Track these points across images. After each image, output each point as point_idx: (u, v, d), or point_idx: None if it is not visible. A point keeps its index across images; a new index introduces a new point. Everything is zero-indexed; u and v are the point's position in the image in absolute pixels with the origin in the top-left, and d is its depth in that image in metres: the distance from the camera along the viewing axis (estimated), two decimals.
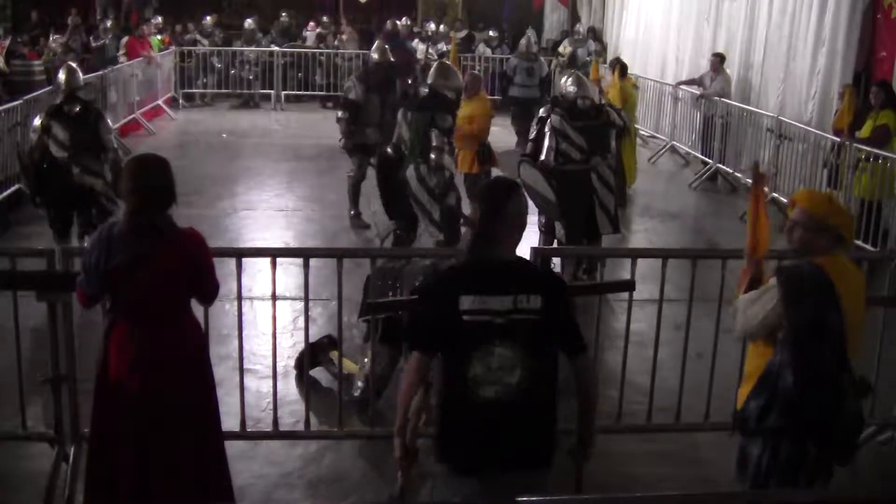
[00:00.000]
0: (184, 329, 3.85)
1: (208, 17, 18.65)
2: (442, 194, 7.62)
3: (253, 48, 17.54)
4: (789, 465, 3.46)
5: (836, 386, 3.45)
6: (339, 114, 9.61)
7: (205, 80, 17.29)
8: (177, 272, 3.73)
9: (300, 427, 4.89)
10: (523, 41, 14.47)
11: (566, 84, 8.09)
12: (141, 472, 3.75)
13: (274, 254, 4.99)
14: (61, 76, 7.58)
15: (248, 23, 18.33)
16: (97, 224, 6.75)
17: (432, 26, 18.74)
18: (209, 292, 3.94)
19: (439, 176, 7.61)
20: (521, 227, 3.25)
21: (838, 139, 9.20)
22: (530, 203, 3.31)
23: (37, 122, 7.42)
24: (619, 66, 11.56)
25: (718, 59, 12.35)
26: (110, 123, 7.97)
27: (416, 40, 17.67)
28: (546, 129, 7.93)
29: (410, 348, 3.36)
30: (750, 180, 4.26)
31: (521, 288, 3.12)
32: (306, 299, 4.77)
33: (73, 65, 8.19)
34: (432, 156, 7.65)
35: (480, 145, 9.42)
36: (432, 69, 8.52)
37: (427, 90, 8.30)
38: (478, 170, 9.51)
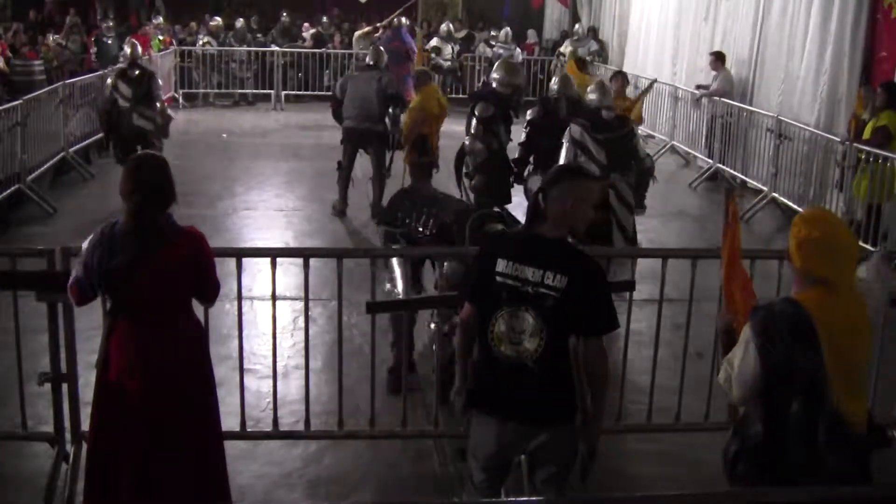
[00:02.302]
0: (184, 329, 3.86)
1: (217, 17, 18.69)
2: (469, 176, 8.40)
3: (245, 48, 17.52)
4: None
5: (810, 437, 3.02)
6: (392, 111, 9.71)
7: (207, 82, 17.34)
8: (177, 272, 3.73)
9: (300, 427, 4.89)
10: (502, 34, 17.84)
11: (589, 93, 7.63)
12: (141, 472, 3.74)
13: (274, 254, 4.99)
14: (127, 49, 10.40)
15: (240, 22, 18.40)
16: None
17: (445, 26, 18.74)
18: (210, 292, 3.94)
19: (471, 159, 8.38)
20: (567, 212, 3.37)
21: (838, 139, 9.20)
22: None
23: (109, 81, 10.35)
24: (575, 60, 11.73)
25: (716, 58, 12.34)
26: (160, 82, 10.88)
27: (437, 38, 17.92)
28: (564, 139, 7.36)
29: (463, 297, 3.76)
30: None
31: (552, 266, 3.33)
32: (306, 299, 4.77)
33: (135, 41, 11.05)
34: (466, 141, 8.45)
35: (418, 137, 9.39)
36: (496, 65, 9.23)
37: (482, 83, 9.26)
38: (411, 160, 9.52)
